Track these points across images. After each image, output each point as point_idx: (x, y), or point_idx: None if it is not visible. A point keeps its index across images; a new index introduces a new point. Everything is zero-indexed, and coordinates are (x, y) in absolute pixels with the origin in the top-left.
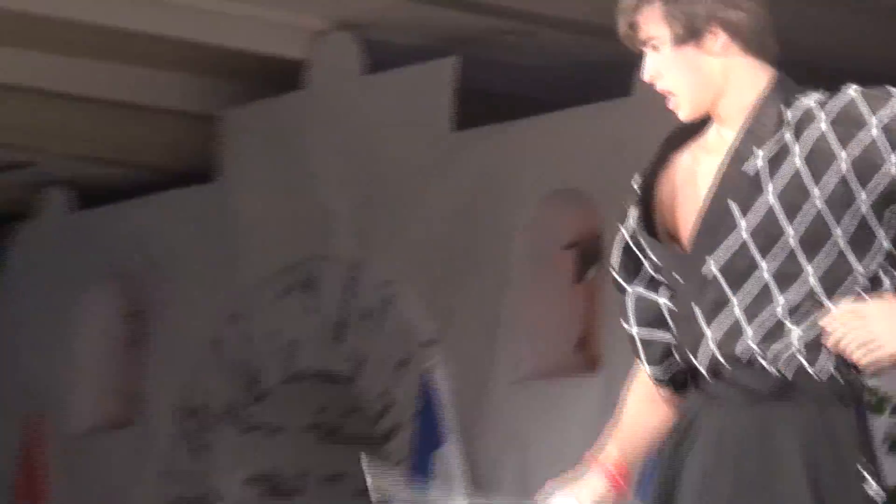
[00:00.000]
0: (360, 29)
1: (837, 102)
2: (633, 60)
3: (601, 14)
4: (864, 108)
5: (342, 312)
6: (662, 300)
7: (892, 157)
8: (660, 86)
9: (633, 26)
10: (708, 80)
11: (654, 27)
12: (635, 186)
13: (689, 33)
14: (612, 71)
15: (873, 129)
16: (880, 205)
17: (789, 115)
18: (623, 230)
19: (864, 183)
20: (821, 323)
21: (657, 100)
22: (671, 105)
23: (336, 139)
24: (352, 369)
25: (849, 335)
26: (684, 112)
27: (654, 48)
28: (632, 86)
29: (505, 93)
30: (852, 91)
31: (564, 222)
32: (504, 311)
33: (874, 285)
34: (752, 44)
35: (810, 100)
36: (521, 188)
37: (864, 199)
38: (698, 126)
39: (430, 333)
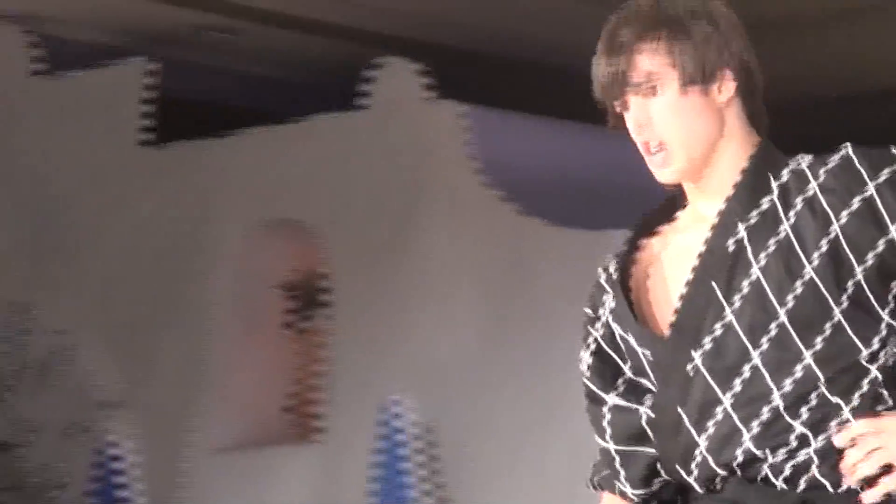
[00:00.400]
0: (32, 22)
1: (830, 161)
2: (363, 64)
3: (325, 8)
4: (861, 167)
5: (4, 366)
6: (644, 409)
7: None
8: (646, 136)
9: (626, 65)
10: (707, 134)
11: (657, 66)
12: (605, 276)
13: (701, 75)
14: (342, 78)
15: (873, 192)
16: (880, 278)
17: (776, 182)
18: (594, 332)
19: (861, 252)
20: (835, 443)
21: (396, 114)
22: (656, 162)
23: None
24: (13, 434)
25: (866, 461)
26: (674, 168)
27: (652, 91)
28: (364, 97)
29: (208, 102)
30: (849, 151)
31: (276, 259)
32: (202, 367)
33: (884, 372)
34: (752, 100)
35: (800, 163)
36: (224, 217)
37: (861, 272)
38: (668, 212)
39: (112, 392)
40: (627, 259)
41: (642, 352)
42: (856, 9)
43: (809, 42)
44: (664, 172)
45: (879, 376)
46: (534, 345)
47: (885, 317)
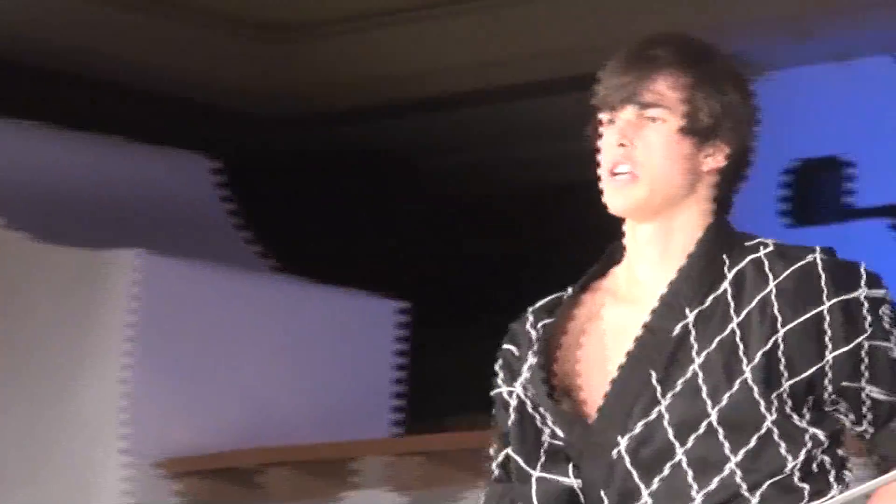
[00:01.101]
0: None
1: (794, 264)
2: None
3: None
4: (823, 281)
5: None
6: (571, 481)
7: (839, 349)
8: (622, 154)
9: (645, 80)
10: (677, 185)
11: (670, 97)
12: (534, 327)
13: (705, 132)
14: None
15: (825, 311)
16: (804, 394)
17: (731, 268)
18: (519, 390)
19: (793, 369)
20: None
21: None
22: (617, 181)
23: None
24: None
25: None
26: (633, 195)
27: (651, 119)
28: None
29: None
30: (818, 258)
31: None
32: None
33: (810, 483)
34: (729, 187)
35: (759, 250)
36: None
37: (787, 384)
38: (605, 267)
39: None
40: (563, 310)
41: (555, 429)
42: (372, 14)
43: (325, 49)
44: (620, 197)
45: (806, 490)
46: (23, 365)
47: (808, 429)
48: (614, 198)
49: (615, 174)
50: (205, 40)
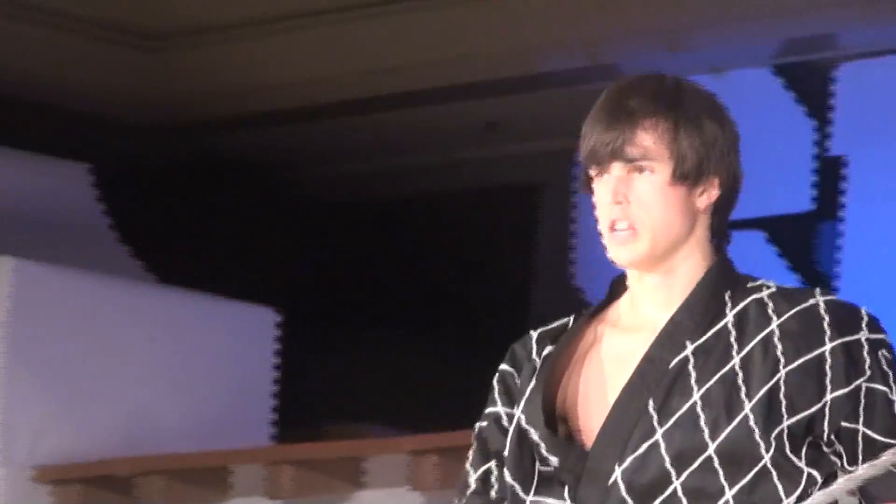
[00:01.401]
0: None
1: (797, 305)
2: None
3: None
4: (826, 323)
5: None
6: None
7: (839, 391)
8: (618, 212)
9: (627, 136)
10: (677, 231)
11: (656, 147)
12: (537, 353)
13: (695, 173)
14: None
15: (826, 353)
16: (803, 434)
17: (733, 305)
18: (519, 414)
19: (794, 408)
20: None
21: None
22: (617, 238)
23: None
24: None
25: None
26: (635, 251)
27: (641, 170)
28: None
29: None
30: (820, 301)
31: None
32: None
33: None
34: (722, 215)
35: (762, 291)
36: None
37: (787, 423)
38: (609, 299)
39: None
40: (565, 339)
41: (547, 456)
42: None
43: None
44: (623, 251)
45: None
46: None
47: (804, 467)
48: (619, 253)
49: (614, 230)
50: (78, 48)
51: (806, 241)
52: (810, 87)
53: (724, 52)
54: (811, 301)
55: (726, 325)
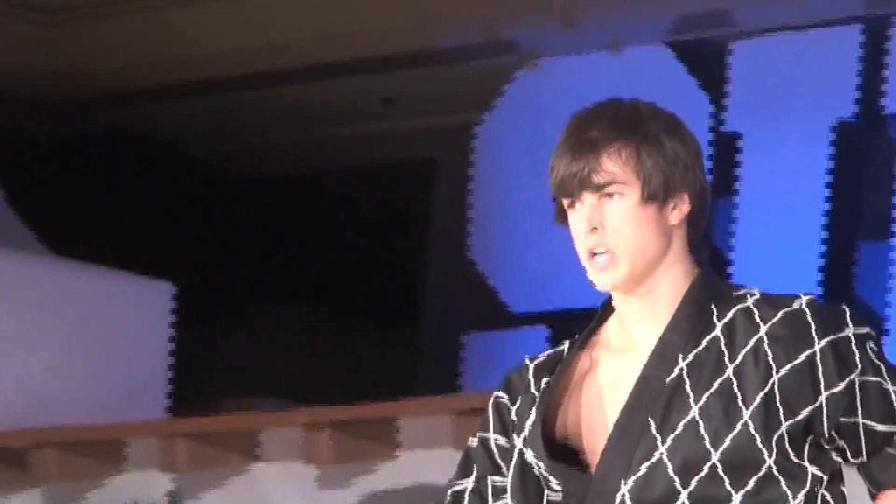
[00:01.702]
0: None
1: (783, 310)
2: None
3: None
4: (812, 325)
5: None
6: None
7: (833, 388)
8: (595, 240)
9: (592, 165)
10: (654, 250)
11: (622, 172)
12: (536, 385)
13: (664, 192)
14: None
15: (816, 353)
16: (803, 434)
17: (721, 317)
18: (521, 445)
19: (791, 410)
20: None
21: None
22: (597, 264)
23: None
24: None
25: None
26: (615, 275)
27: (610, 196)
28: None
29: None
30: (804, 304)
31: None
32: None
33: None
34: (697, 227)
35: (747, 299)
36: None
37: (786, 426)
38: (597, 324)
39: None
40: (561, 368)
41: (552, 482)
42: None
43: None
44: (603, 277)
45: None
46: None
47: (808, 467)
48: (600, 279)
49: (593, 256)
50: None
51: None
52: (706, 64)
53: (619, 29)
54: (795, 305)
55: (716, 337)
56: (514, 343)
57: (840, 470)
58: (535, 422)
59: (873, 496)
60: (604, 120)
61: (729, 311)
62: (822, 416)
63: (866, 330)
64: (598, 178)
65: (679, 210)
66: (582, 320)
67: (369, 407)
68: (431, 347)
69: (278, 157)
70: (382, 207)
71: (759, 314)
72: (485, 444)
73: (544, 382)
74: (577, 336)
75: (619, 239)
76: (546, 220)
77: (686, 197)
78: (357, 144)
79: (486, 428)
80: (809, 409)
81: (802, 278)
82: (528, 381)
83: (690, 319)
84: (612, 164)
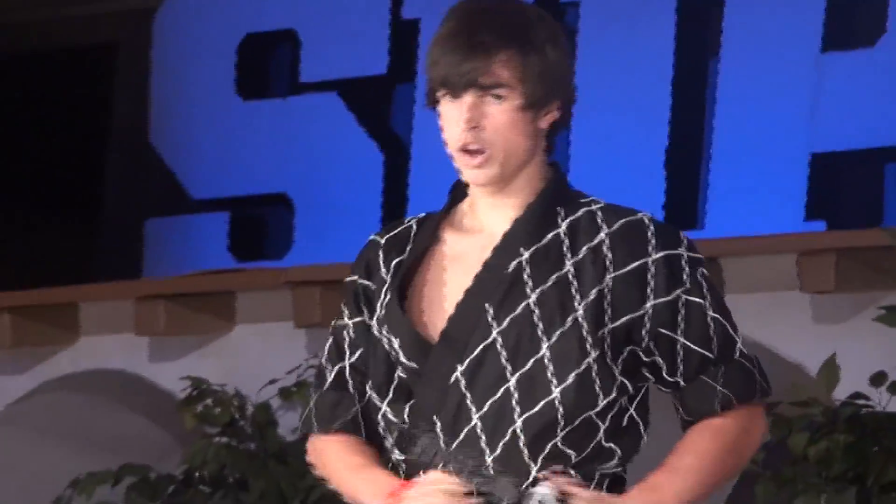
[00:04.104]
0: None
1: (625, 218)
2: None
3: None
4: (650, 236)
5: None
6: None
7: (659, 299)
8: (472, 136)
9: (482, 68)
10: (524, 152)
11: (509, 78)
12: (385, 265)
13: (543, 100)
14: None
15: (650, 263)
16: (623, 339)
17: (566, 217)
18: (375, 326)
19: (616, 312)
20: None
21: None
22: (474, 162)
23: None
24: None
25: None
26: (490, 172)
27: (495, 97)
28: None
29: None
30: (645, 217)
31: None
32: None
33: (613, 429)
34: (557, 132)
35: (592, 205)
36: None
37: (609, 328)
38: (450, 202)
39: None
40: (409, 249)
41: (405, 360)
42: None
43: None
44: (480, 174)
45: (605, 433)
46: None
47: (618, 375)
48: (474, 175)
49: (469, 154)
50: None
51: (381, 104)
52: None
53: None
54: (637, 216)
55: (559, 235)
56: (195, 228)
57: (647, 393)
58: (391, 299)
59: (685, 424)
60: (495, 24)
61: (574, 213)
62: (642, 324)
63: (699, 256)
64: (485, 80)
65: (550, 116)
66: (262, 206)
67: (50, 292)
68: (112, 233)
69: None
70: (62, 93)
71: (603, 218)
72: (344, 329)
73: (395, 262)
74: (423, 214)
75: (497, 139)
76: (226, 108)
77: (557, 105)
78: (36, 30)
79: (345, 311)
80: (633, 315)
81: None
82: (380, 261)
83: (538, 216)
84: (500, 70)
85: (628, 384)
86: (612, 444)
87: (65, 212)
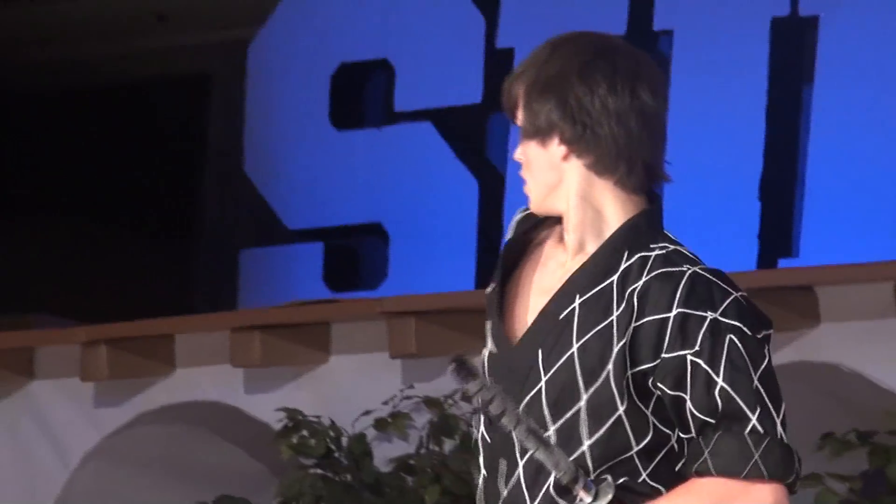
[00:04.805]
0: None
1: (667, 268)
2: None
3: None
4: (679, 292)
5: None
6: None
7: (669, 354)
8: (522, 170)
9: (511, 98)
10: (550, 185)
11: (520, 109)
12: (513, 235)
13: (535, 131)
14: None
15: (670, 319)
16: (644, 388)
17: (625, 263)
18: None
19: (634, 360)
20: None
21: None
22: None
23: None
24: None
25: None
26: (531, 206)
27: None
28: None
29: None
30: (691, 270)
31: None
32: None
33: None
34: (603, 165)
35: (654, 251)
36: None
37: (629, 374)
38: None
39: None
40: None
41: (490, 343)
42: None
43: None
44: (530, 204)
45: (650, 474)
46: None
47: (650, 416)
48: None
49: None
50: None
51: (476, 133)
52: None
53: None
54: (684, 268)
55: (612, 282)
56: (289, 259)
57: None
58: (494, 286)
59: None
60: (522, 64)
61: (632, 258)
62: (654, 374)
63: (736, 324)
64: (516, 113)
65: (560, 147)
66: (357, 235)
67: (146, 323)
68: (208, 264)
69: (52, 72)
70: (157, 123)
71: (651, 265)
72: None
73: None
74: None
75: (525, 171)
76: (320, 138)
77: (558, 134)
78: (132, 60)
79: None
80: (647, 365)
81: None
82: (518, 228)
83: (602, 262)
84: (518, 100)
85: (665, 430)
86: (659, 486)
87: (160, 243)
